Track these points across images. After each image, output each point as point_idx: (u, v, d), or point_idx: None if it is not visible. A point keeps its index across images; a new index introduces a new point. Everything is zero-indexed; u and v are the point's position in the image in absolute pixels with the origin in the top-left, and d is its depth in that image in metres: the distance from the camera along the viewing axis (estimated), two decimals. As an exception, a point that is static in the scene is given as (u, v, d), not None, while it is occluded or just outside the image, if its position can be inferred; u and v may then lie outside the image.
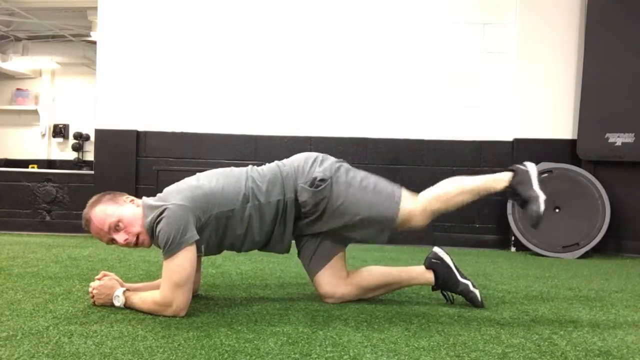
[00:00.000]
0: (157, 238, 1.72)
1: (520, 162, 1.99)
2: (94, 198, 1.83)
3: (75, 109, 7.92)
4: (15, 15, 6.20)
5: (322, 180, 1.85)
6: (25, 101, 7.98)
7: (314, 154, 1.97)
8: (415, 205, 1.92)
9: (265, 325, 1.66)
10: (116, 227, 1.77)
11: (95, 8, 4.33)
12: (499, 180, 1.95)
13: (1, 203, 4.37)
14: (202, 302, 1.95)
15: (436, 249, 2.01)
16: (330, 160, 1.95)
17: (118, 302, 1.79)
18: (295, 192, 1.88)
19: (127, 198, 1.85)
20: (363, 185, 1.90)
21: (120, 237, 1.78)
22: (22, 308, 1.78)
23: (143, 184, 4.17)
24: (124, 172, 4.18)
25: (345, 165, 1.95)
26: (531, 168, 1.95)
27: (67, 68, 7.79)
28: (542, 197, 1.88)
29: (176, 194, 1.77)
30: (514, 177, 1.94)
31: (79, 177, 4.42)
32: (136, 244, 1.80)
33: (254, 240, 1.89)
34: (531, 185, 1.91)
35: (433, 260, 1.98)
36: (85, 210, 1.81)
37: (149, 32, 4.21)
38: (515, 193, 1.93)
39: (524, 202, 1.91)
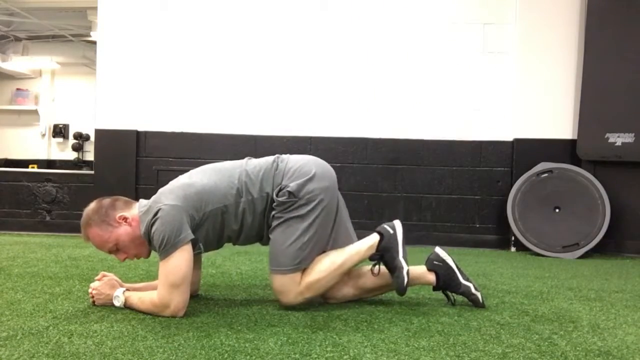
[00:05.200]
0: (152, 240, 1.72)
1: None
2: (85, 219, 1.79)
3: (75, 109, 7.92)
4: (15, 15, 6.20)
5: (290, 193, 1.82)
6: (25, 101, 7.98)
7: (314, 168, 1.89)
8: (295, 288, 1.83)
9: (265, 325, 1.66)
10: (115, 250, 1.81)
11: (95, 8, 4.33)
12: (369, 247, 1.91)
13: (1, 203, 4.37)
14: (202, 302, 1.95)
15: (438, 250, 2.00)
16: (322, 184, 1.87)
17: (118, 302, 1.79)
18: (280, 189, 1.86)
19: (120, 217, 1.78)
20: (302, 232, 1.82)
21: (119, 256, 1.83)
22: (22, 308, 1.78)
23: (143, 184, 4.17)
24: (124, 172, 4.18)
25: (329, 202, 1.86)
26: (398, 230, 1.92)
27: (67, 68, 7.79)
28: (404, 269, 1.85)
29: (169, 193, 1.77)
30: (380, 242, 1.90)
31: (79, 177, 4.41)
32: (135, 258, 1.85)
33: (249, 235, 1.89)
34: (397, 253, 1.88)
35: (435, 262, 1.97)
36: (82, 228, 1.80)
37: (149, 32, 4.21)
38: (382, 259, 1.91)
39: (391, 269, 1.89)
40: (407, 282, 1.85)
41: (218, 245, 1.91)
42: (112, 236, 1.78)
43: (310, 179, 1.86)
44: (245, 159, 1.96)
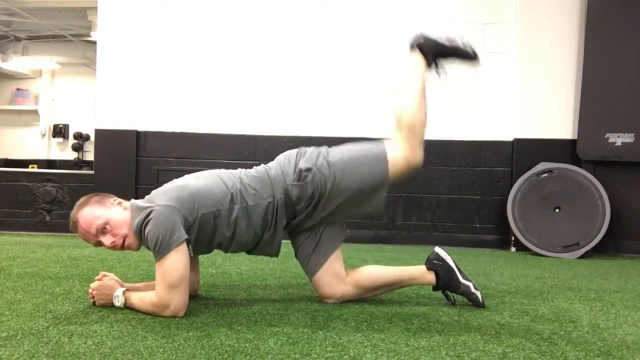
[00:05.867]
0: (145, 240, 1.71)
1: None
2: (82, 200, 1.83)
3: (75, 109, 7.92)
4: (15, 15, 6.21)
5: (307, 170, 1.86)
6: (25, 101, 7.98)
7: (294, 151, 1.97)
8: (402, 150, 1.93)
9: (265, 325, 1.66)
10: (103, 230, 1.76)
11: (95, 8, 4.33)
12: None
13: (1, 203, 4.37)
14: (202, 302, 1.95)
15: (437, 250, 2.01)
16: (310, 149, 1.95)
17: (118, 302, 1.79)
18: (286, 193, 1.87)
19: (114, 200, 1.83)
20: (346, 159, 1.90)
21: (107, 240, 1.77)
22: (22, 308, 1.78)
23: (143, 184, 4.17)
24: (124, 172, 4.18)
25: (324, 149, 1.95)
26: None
27: (67, 68, 7.79)
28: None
29: (163, 194, 1.77)
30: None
31: (79, 177, 4.42)
32: (122, 247, 1.79)
33: (241, 242, 1.87)
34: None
35: (435, 261, 1.98)
36: (73, 212, 1.80)
37: (149, 32, 4.21)
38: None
39: (453, 54, 2.04)
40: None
41: (208, 250, 1.90)
42: (104, 214, 1.77)
43: (303, 153, 1.94)
44: (238, 169, 1.96)
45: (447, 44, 2.01)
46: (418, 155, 1.94)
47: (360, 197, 1.90)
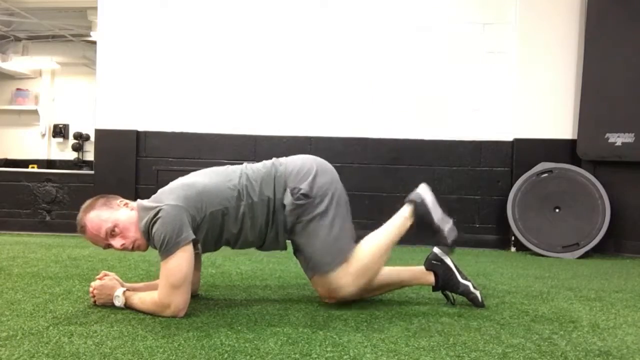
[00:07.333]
0: (152, 239, 1.71)
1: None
2: (87, 203, 1.81)
3: (75, 109, 7.92)
4: (15, 15, 6.20)
5: (304, 195, 1.83)
6: (25, 101, 7.97)
7: (314, 165, 1.91)
8: (347, 279, 1.85)
9: (265, 325, 1.66)
10: (112, 233, 1.76)
11: (95, 8, 4.33)
12: (405, 220, 1.96)
13: (1, 203, 4.37)
14: (202, 302, 1.95)
15: (436, 250, 2.01)
16: (327, 178, 1.90)
17: (118, 302, 1.79)
18: (285, 195, 1.85)
19: (120, 202, 1.83)
20: (329, 227, 1.84)
21: (116, 243, 1.77)
22: (22, 308, 1.78)
23: (143, 184, 4.17)
24: (124, 172, 4.18)
25: (339, 193, 1.90)
26: (426, 195, 1.95)
27: (67, 68, 7.78)
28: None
29: (169, 194, 1.76)
30: (414, 212, 1.94)
31: (79, 177, 4.42)
32: (132, 249, 1.79)
33: (247, 239, 1.87)
34: (432, 219, 1.93)
35: (433, 261, 1.98)
36: (80, 215, 1.79)
37: (149, 32, 4.21)
38: (421, 228, 1.95)
39: (433, 234, 1.94)
40: (455, 237, 1.94)
41: (215, 247, 1.90)
42: (111, 216, 1.76)
43: (316, 176, 1.87)
44: (244, 163, 1.95)
45: (435, 221, 1.93)
46: (354, 290, 1.86)
47: (306, 256, 1.88)
